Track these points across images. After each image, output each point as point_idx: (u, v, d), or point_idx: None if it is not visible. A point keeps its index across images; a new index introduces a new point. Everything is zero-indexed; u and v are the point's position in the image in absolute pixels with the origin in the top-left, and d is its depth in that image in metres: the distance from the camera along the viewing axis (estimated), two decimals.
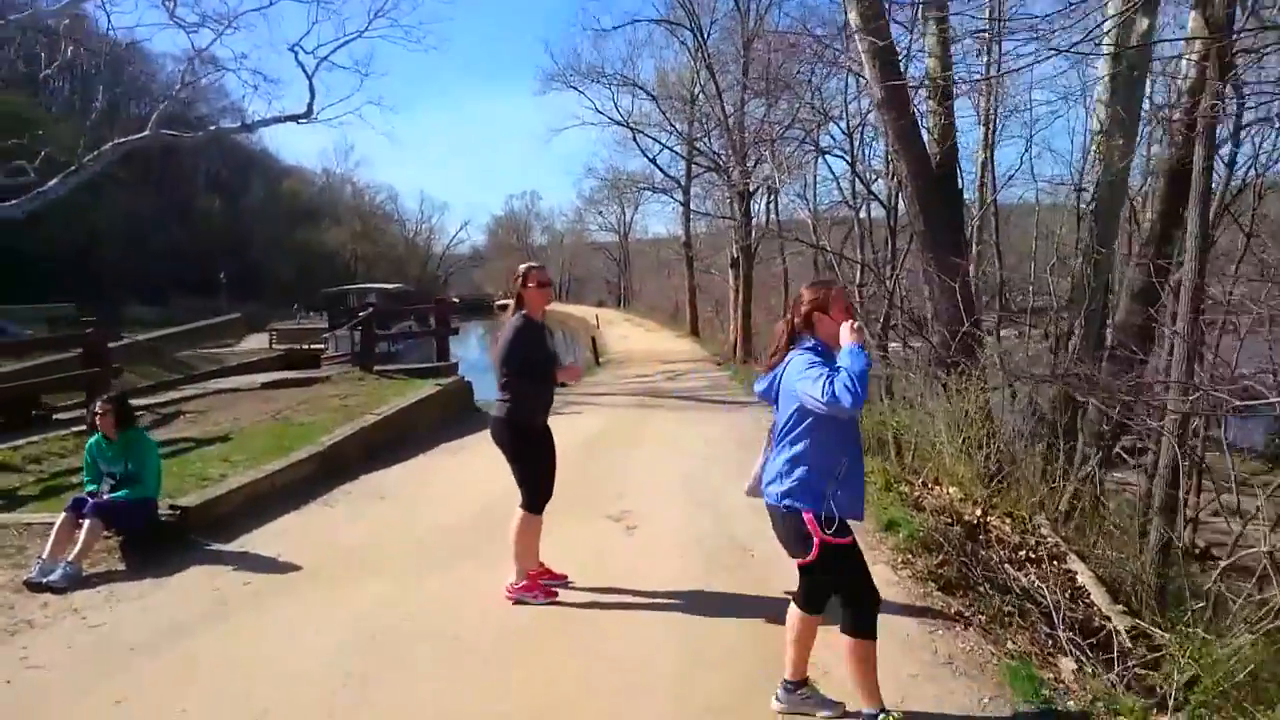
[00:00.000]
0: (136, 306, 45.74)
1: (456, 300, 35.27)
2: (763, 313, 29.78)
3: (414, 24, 47.56)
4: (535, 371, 4.91)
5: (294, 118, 27.50)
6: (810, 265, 27.07)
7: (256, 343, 34.84)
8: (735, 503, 6.05)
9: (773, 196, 26.63)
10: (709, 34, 29.34)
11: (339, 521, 6.86)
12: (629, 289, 70.31)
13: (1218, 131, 9.40)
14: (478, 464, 8.54)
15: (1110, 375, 9.13)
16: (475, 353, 58.35)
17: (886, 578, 5.06)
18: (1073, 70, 14.42)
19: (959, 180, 12.63)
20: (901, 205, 14.77)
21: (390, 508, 7.36)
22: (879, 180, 16.23)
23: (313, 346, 24.99)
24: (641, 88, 33.28)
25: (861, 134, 15.60)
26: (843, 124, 17.49)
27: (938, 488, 7.43)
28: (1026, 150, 31.00)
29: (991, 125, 14.20)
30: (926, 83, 11.99)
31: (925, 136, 11.73)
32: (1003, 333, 13.18)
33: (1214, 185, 10.37)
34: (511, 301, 5.08)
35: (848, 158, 15.99)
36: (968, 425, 7.47)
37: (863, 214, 18.76)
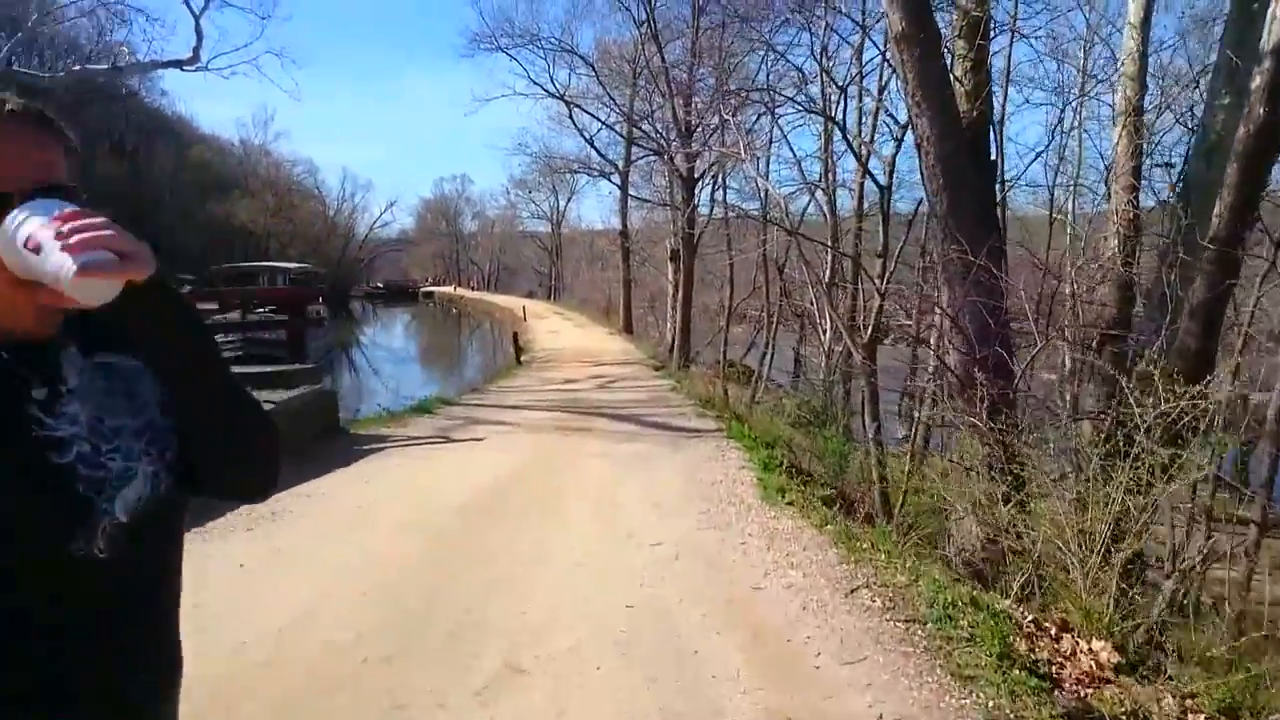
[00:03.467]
0: None
1: (320, 288, 31.50)
2: (699, 313, 26.59)
3: None
4: None
5: (177, 63, 23.55)
6: (749, 264, 23.98)
7: None
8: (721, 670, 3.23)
9: (720, 182, 23.38)
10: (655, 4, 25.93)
11: None
12: (560, 281, 66.62)
13: None
14: (271, 557, 5.11)
15: None
16: (398, 341, 54.47)
17: None
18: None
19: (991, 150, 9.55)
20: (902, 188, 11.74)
21: None
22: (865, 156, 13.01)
23: None
24: (579, 55, 29.74)
25: (855, 94, 12.34)
26: (817, 86, 14.32)
27: (1067, 637, 4.21)
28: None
29: (1006, 90, 11.29)
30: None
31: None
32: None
33: None
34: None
35: (836, 121, 12.69)
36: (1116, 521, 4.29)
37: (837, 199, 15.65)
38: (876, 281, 11.18)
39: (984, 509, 6.79)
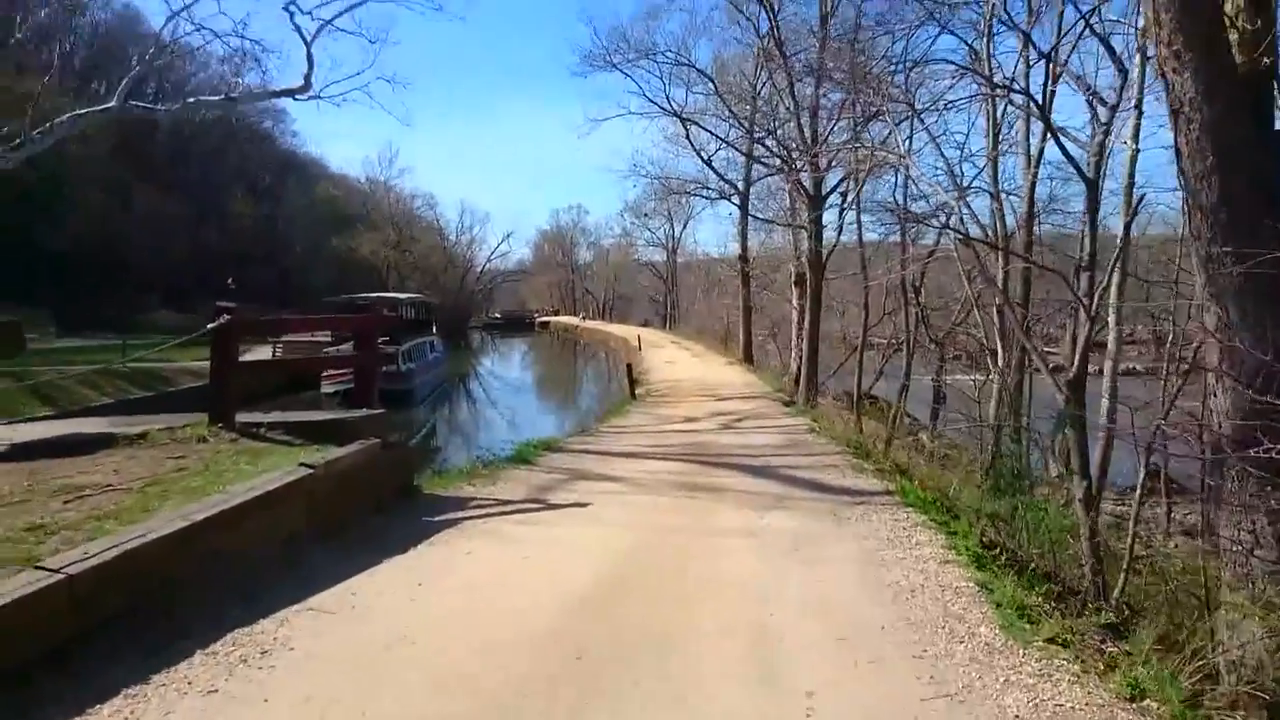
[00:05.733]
0: (160, 311, 42.89)
1: (390, 312, 30.16)
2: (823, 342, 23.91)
3: None
4: None
5: (289, 92, 22.80)
6: (877, 289, 21.13)
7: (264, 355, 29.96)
8: None
9: (853, 200, 20.72)
10: (779, 8, 23.66)
11: None
12: (676, 309, 64.68)
13: None
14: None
15: None
16: (515, 372, 53.48)
17: None
18: None
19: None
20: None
21: None
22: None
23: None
24: (697, 68, 27.67)
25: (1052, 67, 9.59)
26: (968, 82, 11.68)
27: None
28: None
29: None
30: None
31: None
32: None
33: None
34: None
35: (1031, 96, 9.95)
36: None
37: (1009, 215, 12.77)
38: (1085, 301, 8.54)
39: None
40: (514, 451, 10.59)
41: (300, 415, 7.82)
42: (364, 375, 8.69)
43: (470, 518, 6.95)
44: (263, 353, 29.79)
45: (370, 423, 7.49)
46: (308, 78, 21.33)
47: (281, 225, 58.71)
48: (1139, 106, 10.38)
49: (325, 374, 23.16)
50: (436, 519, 6.77)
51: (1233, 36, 6.28)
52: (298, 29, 20.28)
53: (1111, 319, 12.55)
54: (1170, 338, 18.42)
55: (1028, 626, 4.32)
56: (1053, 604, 4.87)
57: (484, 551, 5.85)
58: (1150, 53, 10.58)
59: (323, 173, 68.47)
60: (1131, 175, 11.69)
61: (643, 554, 5.94)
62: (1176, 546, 12.39)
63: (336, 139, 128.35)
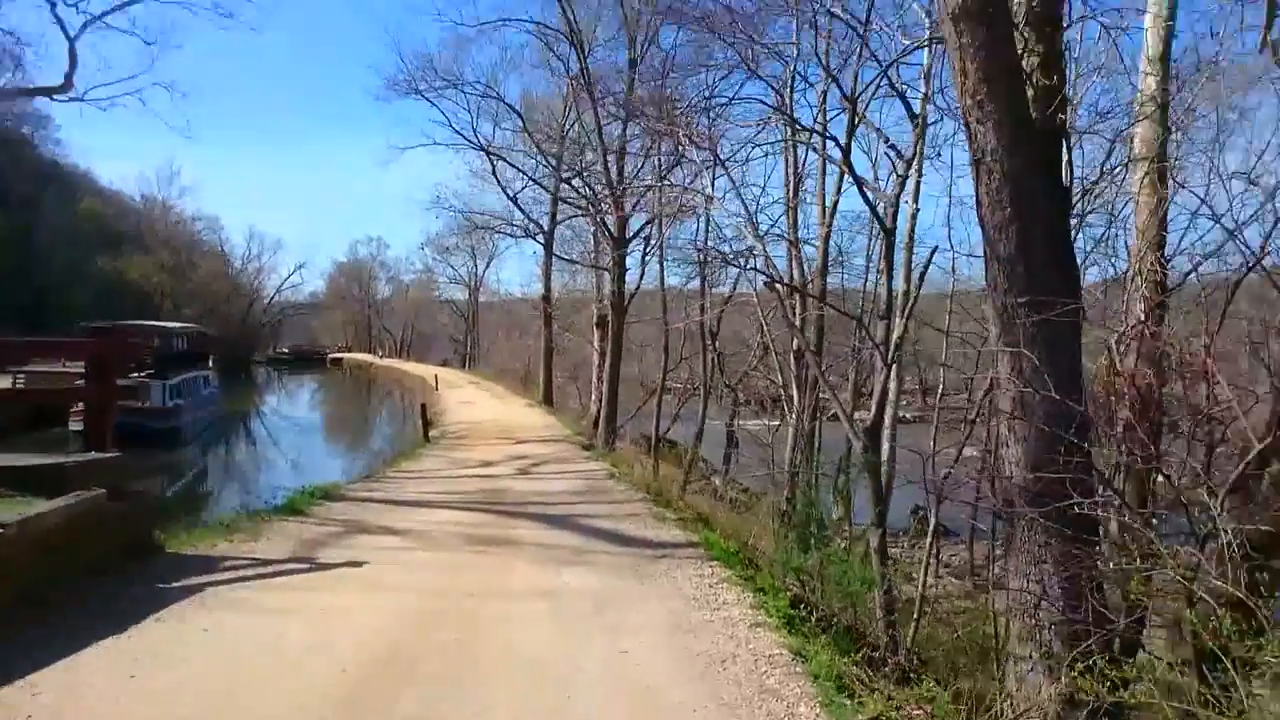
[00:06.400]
0: None
1: (158, 341, 27.67)
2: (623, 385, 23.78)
3: None
4: None
5: (45, 91, 20.33)
6: (673, 333, 21.33)
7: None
8: None
9: (656, 242, 20.78)
10: (589, 51, 23.65)
11: None
12: (476, 348, 63.09)
13: None
14: None
15: None
16: (301, 410, 49.76)
17: None
18: None
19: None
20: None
21: None
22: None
23: None
24: (505, 102, 27.10)
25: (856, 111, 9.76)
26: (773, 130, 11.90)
27: None
28: None
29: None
30: None
31: None
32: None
33: None
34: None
35: (836, 141, 10.10)
36: None
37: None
38: (880, 349, 8.64)
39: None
40: (285, 501, 9.36)
41: (2, 459, 6.32)
42: (97, 412, 7.23)
43: (218, 582, 5.82)
44: (3, 383, 25.83)
45: (98, 468, 6.16)
46: (69, 76, 19.05)
47: (39, 241, 51.97)
48: (919, 169, 10.96)
49: (74, 409, 20.24)
50: (175, 585, 5.60)
51: (1029, 93, 6.48)
52: (59, 21, 18.07)
53: (893, 369, 13.04)
54: (940, 388, 19.73)
55: (848, 703, 3.93)
56: (868, 671, 4.55)
57: (226, 628, 4.79)
58: (931, 118, 11.19)
59: (90, 187, 61.34)
60: (911, 234, 12.32)
61: (425, 626, 5.08)
62: (948, 590, 12.86)
63: (116, 157, 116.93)
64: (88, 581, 5.33)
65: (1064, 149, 6.79)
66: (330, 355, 79.35)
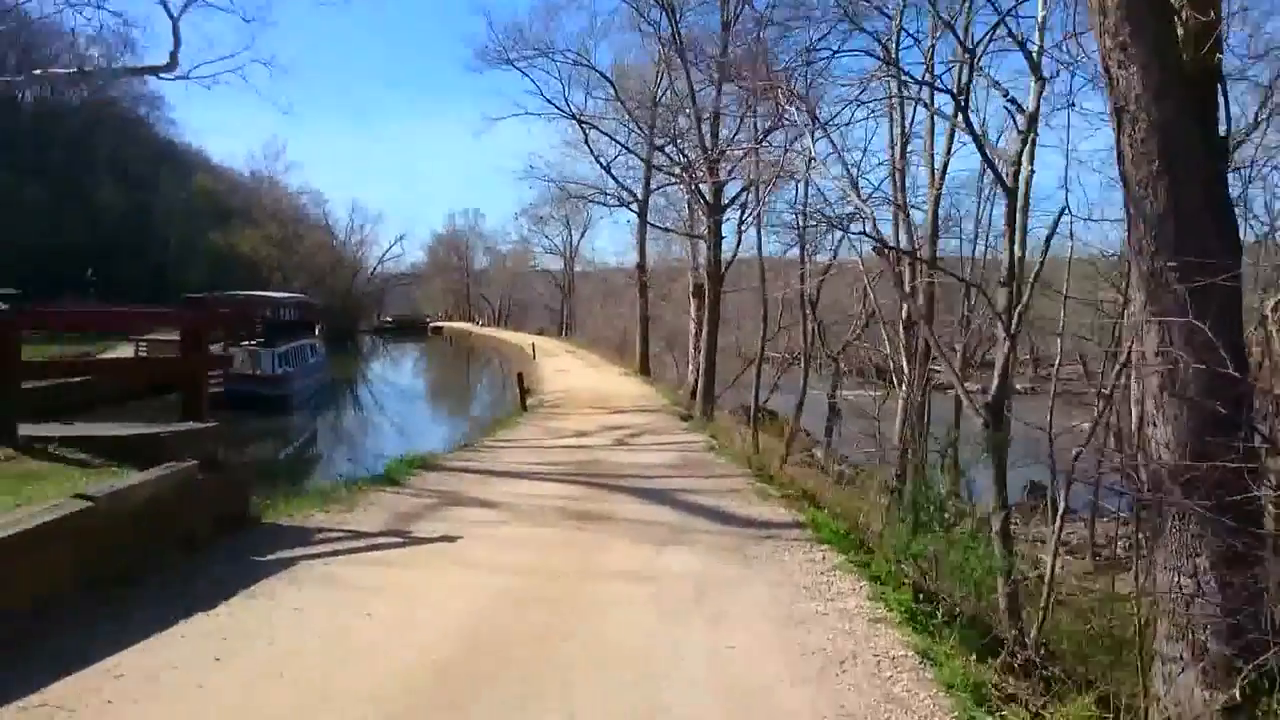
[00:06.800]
0: None
1: (268, 312, 28.22)
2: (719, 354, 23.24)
3: None
4: None
5: (153, 70, 20.82)
6: (771, 302, 20.57)
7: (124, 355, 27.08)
8: None
9: (754, 208, 20.12)
10: (681, 15, 22.97)
11: None
12: (572, 317, 63.49)
13: None
14: None
15: None
16: (405, 378, 50.92)
17: None
18: None
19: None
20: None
21: None
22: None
23: None
24: (597, 70, 26.81)
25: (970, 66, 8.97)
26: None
27: None
28: None
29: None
30: None
31: None
32: None
33: None
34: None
35: (954, 95, 9.31)
36: None
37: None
38: (1003, 318, 7.95)
39: None
40: (383, 470, 9.34)
41: (103, 428, 6.35)
42: (191, 383, 7.26)
43: (311, 556, 5.73)
44: (126, 352, 27.10)
45: (194, 438, 6.14)
46: (174, 55, 19.41)
47: (156, 218, 54.62)
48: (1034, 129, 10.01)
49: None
50: (269, 558, 5.52)
51: (1178, 31, 5.70)
52: (162, 1, 18.38)
53: (1015, 340, 12.15)
54: (1059, 359, 18.54)
55: (988, 719, 3.47)
56: (1005, 678, 4.06)
57: (316, 607, 4.64)
58: (1047, 72, 10.18)
59: (202, 164, 64.04)
60: (1026, 196, 11.36)
61: (514, 609, 4.85)
62: (1069, 570, 12.11)
63: (220, 134, 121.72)
64: (179, 556, 5.28)
65: (1219, 94, 5.98)
66: (432, 324, 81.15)
